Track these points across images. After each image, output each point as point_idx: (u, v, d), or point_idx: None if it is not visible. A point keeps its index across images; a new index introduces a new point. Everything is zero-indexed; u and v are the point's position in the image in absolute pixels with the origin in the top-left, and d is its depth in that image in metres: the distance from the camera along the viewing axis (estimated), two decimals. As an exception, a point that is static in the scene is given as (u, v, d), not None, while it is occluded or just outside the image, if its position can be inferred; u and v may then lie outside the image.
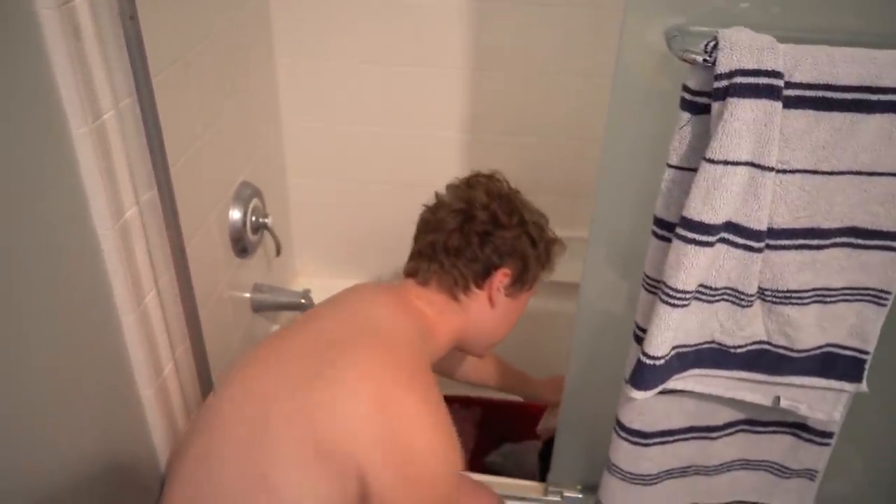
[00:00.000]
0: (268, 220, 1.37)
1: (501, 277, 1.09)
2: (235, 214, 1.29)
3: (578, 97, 1.47)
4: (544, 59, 1.44)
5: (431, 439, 0.90)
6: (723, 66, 0.71)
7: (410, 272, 1.11)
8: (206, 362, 1.12)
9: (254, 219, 1.33)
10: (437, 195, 1.15)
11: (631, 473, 1.02)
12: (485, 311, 1.10)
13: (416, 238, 1.13)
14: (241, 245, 1.31)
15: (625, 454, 1.01)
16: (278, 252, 1.44)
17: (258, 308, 1.44)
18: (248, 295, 1.41)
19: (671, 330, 0.82)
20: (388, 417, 0.88)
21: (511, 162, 1.54)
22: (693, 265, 0.78)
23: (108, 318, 0.94)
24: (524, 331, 1.60)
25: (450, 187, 1.16)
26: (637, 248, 0.90)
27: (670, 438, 1.00)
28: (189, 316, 1.06)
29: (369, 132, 1.57)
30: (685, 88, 0.77)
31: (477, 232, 1.07)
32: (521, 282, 1.11)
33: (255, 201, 1.34)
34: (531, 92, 1.48)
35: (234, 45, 1.26)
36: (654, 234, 0.85)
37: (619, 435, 1.00)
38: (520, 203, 1.13)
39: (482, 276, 1.08)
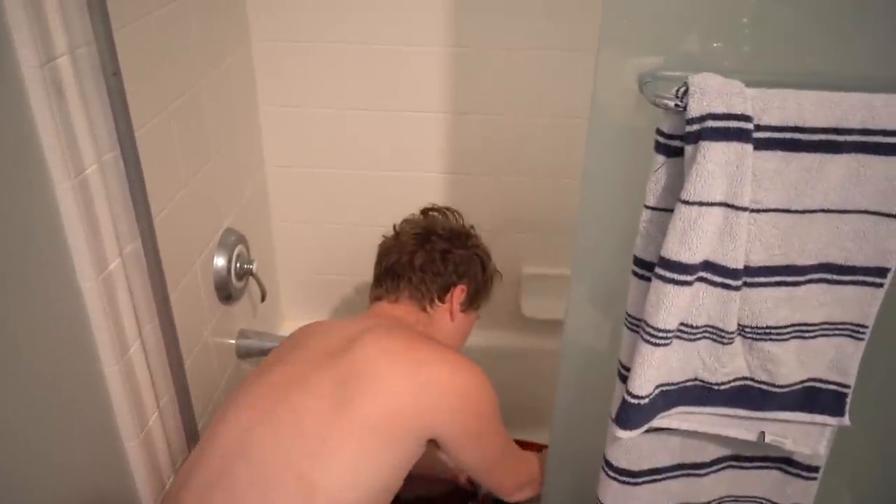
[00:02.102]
0: (252, 266, 1.37)
1: (459, 293, 1.21)
2: (220, 261, 1.29)
3: (558, 137, 1.50)
4: (522, 101, 1.47)
5: (467, 375, 1.03)
6: (694, 111, 0.73)
7: (379, 296, 1.22)
8: (191, 411, 1.12)
9: (238, 265, 1.34)
10: (395, 227, 1.28)
11: (621, 513, 1.02)
12: (446, 323, 1.22)
13: (378, 263, 1.24)
14: (225, 292, 1.31)
15: (613, 494, 1.00)
16: (263, 298, 1.44)
17: (243, 354, 1.43)
18: (232, 341, 1.41)
19: (654, 368, 0.83)
20: (424, 378, 1.00)
21: (493, 201, 1.57)
22: (673, 304, 0.79)
23: (91, 370, 0.93)
24: (511, 368, 1.61)
25: (407, 220, 1.29)
26: (620, 287, 0.90)
27: (659, 476, 1.00)
28: (174, 365, 1.06)
29: (353, 176, 1.59)
30: (659, 132, 0.79)
31: (438, 250, 1.20)
32: (473, 299, 1.24)
33: (239, 247, 1.34)
34: (511, 133, 1.51)
35: (218, 95, 1.28)
36: (635, 273, 0.86)
37: (607, 474, 1.00)
38: (471, 233, 1.28)
39: (444, 290, 1.20)
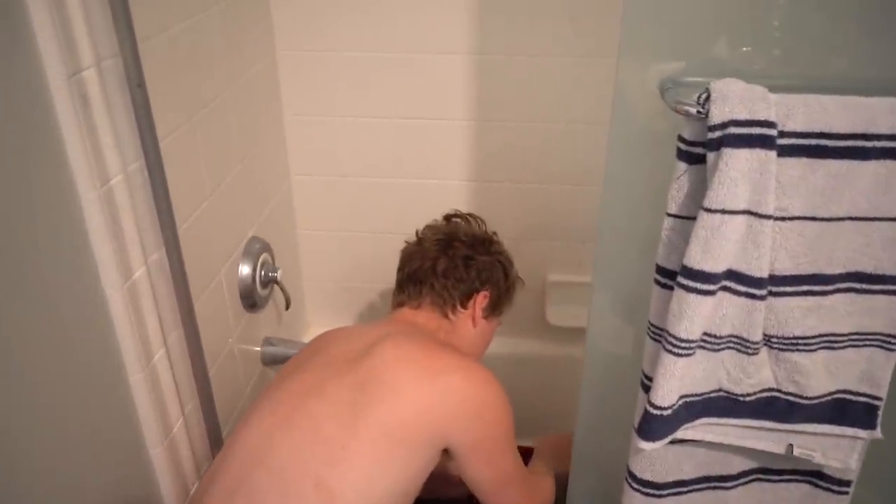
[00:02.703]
0: (277, 274, 1.38)
1: (482, 299, 1.21)
2: (245, 270, 1.30)
3: (581, 144, 1.49)
4: (545, 108, 1.47)
5: (484, 387, 1.03)
6: (716, 118, 0.72)
7: (401, 302, 1.21)
8: (216, 418, 1.13)
9: (263, 273, 1.35)
10: (417, 232, 1.27)
11: (645, 526, 1.00)
12: (469, 329, 1.21)
13: (400, 269, 1.24)
14: (250, 300, 1.32)
15: (638, 506, 0.99)
16: (287, 306, 1.45)
17: (268, 361, 1.44)
18: (257, 349, 1.42)
19: (677, 379, 0.82)
20: (442, 387, 0.99)
21: (516, 209, 1.57)
22: (696, 314, 0.78)
23: (116, 378, 0.95)
24: (535, 376, 1.60)
25: (430, 226, 1.28)
26: (642, 295, 0.89)
27: (684, 489, 0.98)
28: (198, 373, 1.07)
29: (377, 184, 1.59)
30: (680, 139, 0.78)
31: (460, 256, 1.19)
32: (496, 306, 1.23)
33: (264, 256, 1.35)
34: (534, 140, 1.50)
35: (243, 105, 1.29)
36: (657, 282, 0.85)
37: (630, 486, 0.98)
38: (494, 239, 1.27)
39: (467, 296, 1.19)
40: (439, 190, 1.58)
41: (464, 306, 1.19)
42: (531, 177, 1.55)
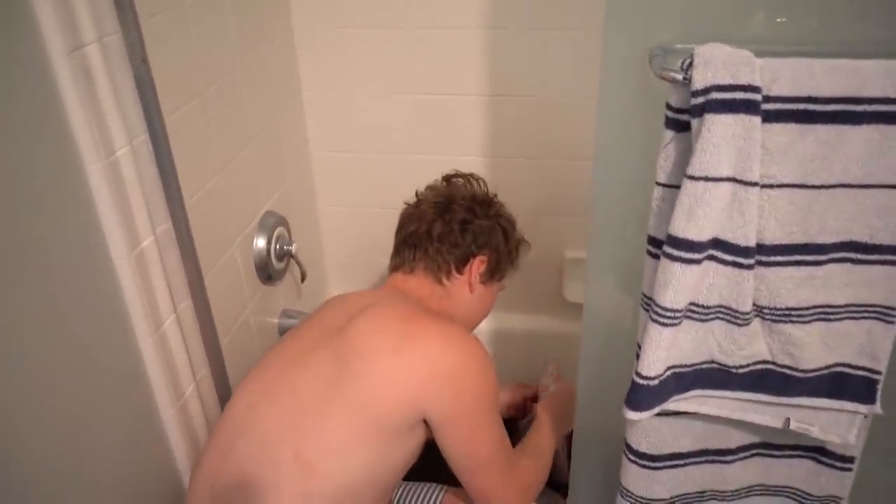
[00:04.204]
0: (292, 248, 1.41)
1: (479, 264, 1.17)
2: (260, 243, 1.34)
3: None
4: (560, 83, 1.45)
5: (464, 356, 1.00)
6: (698, 83, 0.71)
7: (396, 266, 1.20)
8: (227, 384, 1.16)
9: (278, 246, 1.38)
10: (417, 193, 1.24)
11: (643, 498, 1.00)
12: (465, 295, 1.18)
13: (399, 231, 1.22)
14: (266, 272, 1.36)
15: (635, 478, 0.99)
16: (303, 279, 1.48)
17: (286, 332, 1.48)
18: (275, 320, 1.45)
19: (663, 349, 0.81)
20: (416, 356, 0.97)
21: (533, 185, 1.56)
22: (681, 283, 0.77)
23: (127, 343, 0.99)
24: (553, 352, 1.59)
25: (430, 187, 1.25)
26: (637, 266, 0.89)
27: (680, 462, 0.97)
28: (208, 341, 1.11)
29: (395, 160, 1.60)
30: (668, 106, 0.77)
31: (457, 220, 1.16)
32: (494, 271, 1.20)
33: (279, 229, 1.38)
34: (550, 115, 1.49)
35: (258, 81, 1.32)
36: (649, 252, 0.85)
37: (628, 458, 0.98)
38: (495, 201, 1.23)
39: (462, 261, 1.16)
40: (457, 166, 1.57)
41: (459, 271, 1.16)
42: (548, 152, 1.54)
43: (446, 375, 0.98)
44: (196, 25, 1.09)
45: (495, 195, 1.24)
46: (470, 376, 1.00)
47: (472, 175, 1.26)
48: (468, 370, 1.00)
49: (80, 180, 0.88)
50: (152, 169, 0.97)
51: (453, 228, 1.15)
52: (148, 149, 0.95)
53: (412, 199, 1.24)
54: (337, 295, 1.20)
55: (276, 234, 1.37)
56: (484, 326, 1.66)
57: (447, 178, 1.26)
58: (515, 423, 1.44)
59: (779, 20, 0.78)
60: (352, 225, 1.70)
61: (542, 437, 1.22)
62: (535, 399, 1.48)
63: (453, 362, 0.99)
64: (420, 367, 0.97)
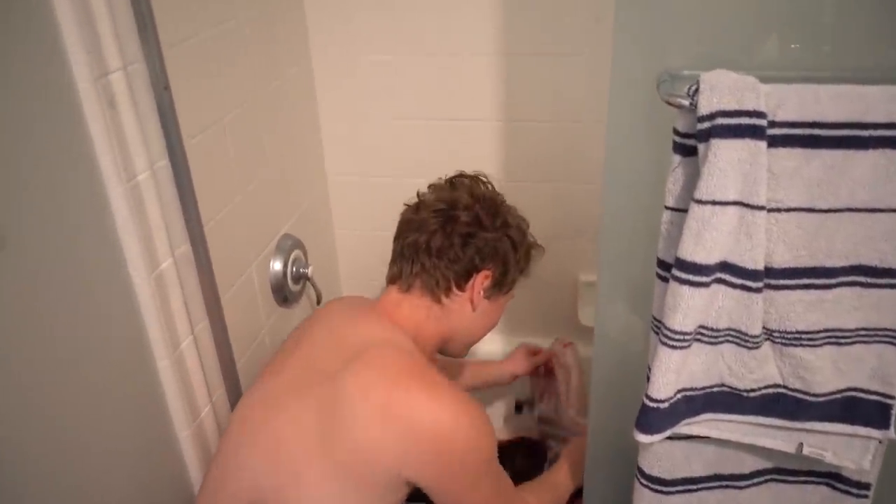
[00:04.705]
0: (308, 271, 1.43)
1: (482, 279, 1.09)
2: (276, 265, 1.36)
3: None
4: (574, 107, 1.47)
5: (449, 420, 0.93)
6: (704, 109, 0.72)
7: (393, 277, 1.12)
8: (242, 406, 1.17)
9: (295, 269, 1.40)
10: (419, 194, 1.15)
11: (656, 523, 1.00)
12: (466, 313, 1.11)
13: (397, 238, 1.13)
14: (282, 294, 1.37)
15: (648, 502, 0.98)
16: (318, 301, 1.50)
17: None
18: (291, 342, 1.47)
19: (673, 372, 0.82)
20: (398, 423, 0.92)
21: (545, 208, 1.57)
22: (689, 306, 0.78)
23: (145, 362, 1.01)
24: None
25: (433, 187, 1.15)
26: (648, 290, 0.89)
27: (693, 487, 0.97)
28: (224, 362, 1.13)
29: (411, 184, 1.62)
30: (675, 131, 0.78)
31: (459, 233, 1.07)
32: (500, 284, 1.11)
33: (296, 252, 1.41)
34: (564, 139, 1.50)
35: (275, 108, 1.35)
36: (658, 276, 0.85)
37: (640, 482, 0.98)
38: (503, 206, 1.13)
39: (464, 277, 1.08)
40: (471, 190, 1.60)
41: (460, 288, 1.08)
42: (562, 176, 1.55)
43: (431, 443, 0.92)
44: (217, 54, 1.12)
45: (502, 199, 1.15)
46: (457, 442, 0.93)
47: (478, 175, 1.16)
48: (455, 436, 0.93)
49: (103, 203, 0.90)
50: (172, 192, 0.99)
51: (454, 242, 1.06)
52: (168, 173, 0.98)
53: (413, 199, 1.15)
54: (328, 306, 1.16)
55: (292, 256, 1.39)
56: (498, 349, 1.67)
57: (451, 181, 1.16)
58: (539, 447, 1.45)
59: (793, 46, 0.79)
60: (367, 248, 1.71)
61: (561, 474, 1.20)
62: (548, 367, 1.48)
63: (438, 431, 0.92)
64: (404, 438, 0.92)
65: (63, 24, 0.81)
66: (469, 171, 1.19)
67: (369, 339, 1.02)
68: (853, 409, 0.85)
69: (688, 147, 0.77)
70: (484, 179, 1.16)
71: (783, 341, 0.82)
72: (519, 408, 1.57)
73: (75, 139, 0.85)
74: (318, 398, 0.95)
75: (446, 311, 1.10)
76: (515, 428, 1.65)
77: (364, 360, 0.97)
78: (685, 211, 0.79)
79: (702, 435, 0.90)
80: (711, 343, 0.82)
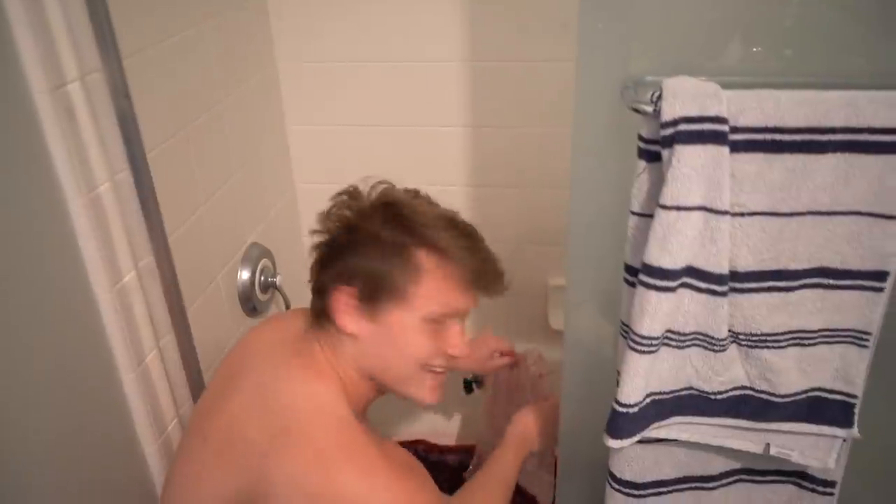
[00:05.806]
0: (277, 280, 1.41)
1: (343, 298, 0.94)
2: (244, 275, 1.34)
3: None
4: (541, 113, 1.48)
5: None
6: (667, 115, 0.73)
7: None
8: (210, 419, 1.16)
9: (263, 279, 1.38)
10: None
11: (628, 526, 1.00)
12: (352, 342, 0.95)
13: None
14: (250, 304, 1.36)
15: (619, 506, 0.99)
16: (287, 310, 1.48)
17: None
18: (260, 352, 1.45)
19: (641, 377, 0.82)
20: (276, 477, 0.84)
21: (516, 214, 1.58)
22: (656, 310, 0.78)
23: (109, 377, 0.98)
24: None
25: (340, 205, 1.03)
26: (615, 296, 0.90)
27: (664, 489, 0.97)
28: (191, 375, 1.11)
29: (380, 191, 1.62)
30: (640, 137, 0.78)
31: (315, 254, 0.99)
32: (377, 298, 0.93)
33: (264, 261, 1.39)
34: (531, 145, 1.51)
35: (241, 115, 1.33)
36: (626, 280, 0.86)
37: (611, 486, 0.98)
38: (373, 215, 0.97)
39: (324, 301, 0.95)
40: (440, 196, 1.59)
41: (328, 316, 0.95)
42: (530, 181, 1.56)
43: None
44: (179, 61, 1.11)
45: (415, 192, 1.03)
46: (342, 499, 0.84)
47: (380, 182, 1.02)
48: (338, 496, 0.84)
49: (62, 215, 0.88)
50: (135, 203, 0.97)
51: (313, 265, 0.99)
52: (130, 184, 0.96)
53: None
54: (262, 335, 1.06)
55: (260, 266, 1.37)
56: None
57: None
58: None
59: (755, 49, 0.80)
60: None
61: (500, 466, 1.11)
62: (511, 355, 1.35)
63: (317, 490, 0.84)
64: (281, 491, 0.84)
65: (17, 34, 0.79)
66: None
67: (295, 407, 0.89)
68: (818, 409, 0.86)
69: (652, 153, 0.78)
70: (386, 183, 1.03)
71: (749, 344, 0.83)
72: (469, 388, 1.44)
73: (32, 151, 0.83)
74: (243, 475, 0.87)
75: (331, 343, 0.97)
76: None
77: (292, 439, 0.86)
78: (651, 216, 0.80)
79: (671, 438, 0.91)
80: (679, 347, 0.83)
